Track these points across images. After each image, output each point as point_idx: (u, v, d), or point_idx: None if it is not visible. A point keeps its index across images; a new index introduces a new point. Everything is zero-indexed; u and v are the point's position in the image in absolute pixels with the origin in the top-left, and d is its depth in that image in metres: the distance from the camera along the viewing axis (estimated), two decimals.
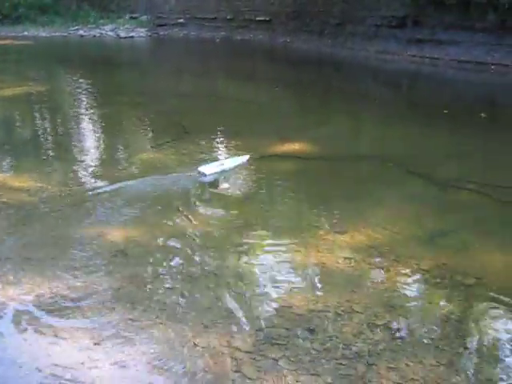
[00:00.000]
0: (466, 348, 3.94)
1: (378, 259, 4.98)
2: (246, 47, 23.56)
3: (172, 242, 5.32)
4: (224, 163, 7.41)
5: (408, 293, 4.56)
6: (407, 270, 4.81)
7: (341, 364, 3.77)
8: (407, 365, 3.74)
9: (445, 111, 11.07)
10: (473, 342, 4.02)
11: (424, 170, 7.22)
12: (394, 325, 4.15)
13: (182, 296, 4.50)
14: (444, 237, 5.42)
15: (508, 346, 3.96)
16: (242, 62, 19.27)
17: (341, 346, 3.92)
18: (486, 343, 4.02)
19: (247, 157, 7.65)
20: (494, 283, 4.61)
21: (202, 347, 3.90)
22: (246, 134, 9.11)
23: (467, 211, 6.04)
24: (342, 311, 4.28)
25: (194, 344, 3.93)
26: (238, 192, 6.89)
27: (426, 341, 3.98)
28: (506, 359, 3.84)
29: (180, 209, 6.04)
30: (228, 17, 26.44)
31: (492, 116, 11.12)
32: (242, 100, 12.43)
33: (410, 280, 4.72)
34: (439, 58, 17.75)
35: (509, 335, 4.05)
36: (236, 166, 7.41)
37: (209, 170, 7.12)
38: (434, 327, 4.14)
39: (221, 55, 22.24)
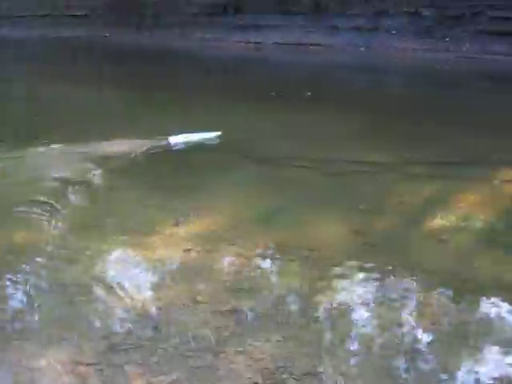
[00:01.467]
0: (308, 319, 4.07)
1: (217, 246, 4.99)
2: (62, 45, 22.48)
3: None
4: (191, 136, 7.88)
5: (248, 274, 4.62)
6: (246, 252, 4.87)
7: (189, 357, 3.70)
8: (254, 346, 3.78)
9: (272, 93, 11.44)
10: (314, 312, 4.17)
11: (258, 153, 7.40)
12: (239, 308, 4.17)
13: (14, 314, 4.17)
14: (278, 214, 5.60)
15: (346, 312, 4.16)
16: (58, 62, 18.35)
17: (187, 339, 3.86)
18: (325, 311, 4.18)
19: (218, 133, 7.85)
20: (327, 253, 4.83)
21: (39, 369, 3.64)
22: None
23: (298, 187, 6.29)
24: (186, 304, 4.22)
25: (29, 369, 3.64)
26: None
27: (270, 318, 4.05)
28: (346, 325, 4.03)
29: None
30: (41, 13, 24.98)
31: (316, 93, 11.70)
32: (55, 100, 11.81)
33: (249, 261, 4.78)
34: (262, 43, 18.33)
35: (345, 301, 4.25)
36: (204, 140, 7.80)
37: (174, 140, 7.75)
38: (277, 304, 4.23)
39: (34, 56, 20.97)
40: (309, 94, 11.28)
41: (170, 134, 8.07)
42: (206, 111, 10.50)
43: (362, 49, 17.82)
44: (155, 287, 4.53)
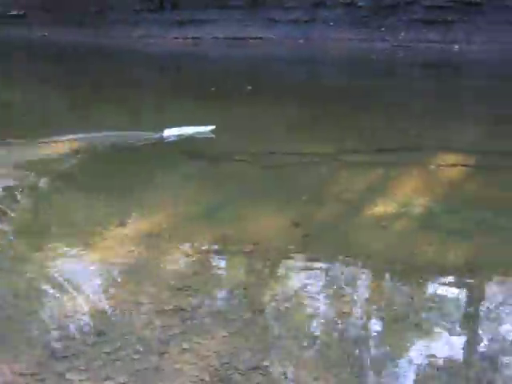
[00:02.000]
0: (253, 313, 4.07)
1: (160, 245, 4.94)
2: None
3: None
4: (185, 129, 7.90)
5: (191, 271, 4.57)
6: (189, 250, 4.83)
7: (134, 360, 3.64)
8: (200, 343, 3.75)
9: (212, 89, 11.39)
10: (259, 306, 4.16)
11: (199, 149, 7.36)
12: (183, 307, 4.13)
13: None
14: (220, 210, 5.58)
15: (291, 305, 4.17)
16: None
17: (131, 341, 3.80)
18: (270, 305, 4.18)
19: (212, 127, 7.80)
20: (269, 246, 4.84)
21: None
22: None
23: (239, 181, 6.29)
24: (130, 306, 4.15)
25: None
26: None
27: (215, 315, 4.03)
28: (291, 317, 4.04)
29: None
30: None
31: (256, 87, 11.71)
32: None
33: (193, 259, 4.74)
34: (201, 38, 18.23)
35: (289, 294, 4.27)
36: (197, 133, 7.81)
37: (168, 132, 7.78)
38: (221, 300, 4.22)
39: None
40: (249, 87, 11.28)
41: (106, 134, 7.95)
42: (145, 108, 10.38)
43: (301, 41, 17.93)
44: (98, 289, 4.43)
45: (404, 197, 5.69)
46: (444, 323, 3.95)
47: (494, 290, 4.40)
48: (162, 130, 7.82)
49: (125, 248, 4.94)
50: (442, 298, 4.29)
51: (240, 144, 7.50)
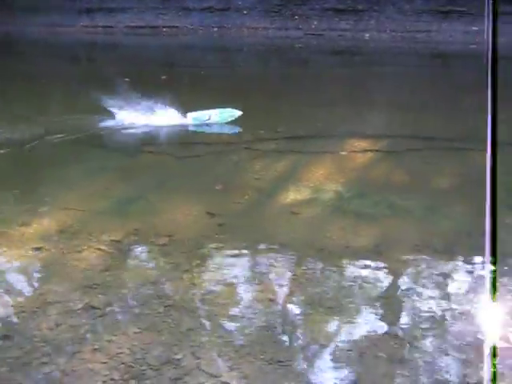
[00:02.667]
0: (166, 306, 4.01)
1: (70, 242, 4.77)
2: None
3: None
4: (211, 116, 7.66)
5: (102, 268, 4.45)
6: (101, 247, 4.70)
7: (42, 363, 3.51)
8: (111, 341, 3.66)
9: (126, 79, 11.10)
10: (171, 299, 4.11)
11: (111, 141, 7.17)
12: (94, 305, 4.02)
13: None
14: (132, 203, 5.46)
15: (205, 295, 4.14)
16: None
17: (40, 344, 3.66)
18: (183, 297, 4.14)
19: (239, 113, 7.50)
20: (184, 238, 4.79)
21: None
22: None
23: (153, 173, 6.18)
24: (38, 307, 4.00)
25: None
26: None
27: (126, 311, 3.95)
28: (205, 308, 4.01)
29: None
30: None
31: (172, 77, 11.54)
32: None
33: (104, 256, 4.62)
34: (113, 26, 17.73)
35: (204, 285, 4.24)
36: (223, 120, 7.56)
37: (192, 115, 7.57)
38: (133, 295, 4.13)
39: None
40: (163, 77, 11.10)
41: None
42: (54, 100, 10.01)
43: (215, 29, 17.83)
44: (3, 291, 4.24)
45: (315, 183, 5.78)
46: (358, 304, 4.06)
47: (403, 269, 4.55)
48: (185, 114, 7.66)
49: (29, 247, 4.74)
50: (355, 279, 4.39)
51: (153, 135, 7.38)
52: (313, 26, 17.50)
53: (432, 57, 15.09)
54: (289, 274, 4.46)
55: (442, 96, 9.59)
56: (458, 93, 9.68)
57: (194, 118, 7.66)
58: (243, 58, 15.01)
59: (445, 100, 9.29)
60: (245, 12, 18.44)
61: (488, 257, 1.99)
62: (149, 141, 7.18)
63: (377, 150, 6.77)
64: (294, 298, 4.18)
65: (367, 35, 16.72)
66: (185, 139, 7.15)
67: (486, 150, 1.89)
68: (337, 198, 5.57)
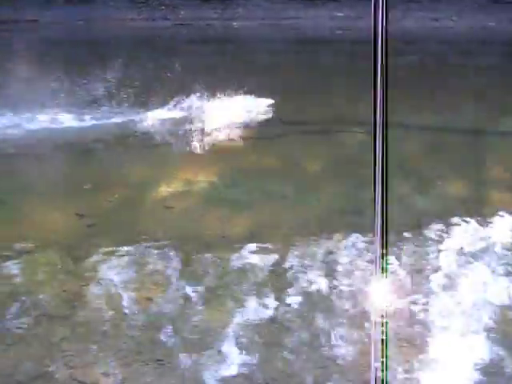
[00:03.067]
0: (35, 318, 3.80)
1: None
2: None
3: None
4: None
5: None
6: None
7: None
8: None
9: None
10: (41, 310, 3.89)
11: None
12: None
13: None
14: None
15: (79, 299, 3.98)
16: None
17: None
18: (55, 304, 3.95)
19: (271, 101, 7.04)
20: (53, 241, 4.58)
21: None
22: None
23: (15, 177, 5.82)
24: None
25: None
26: None
27: None
28: (79, 312, 3.86)
29: None
30: None
31: None
32: None
33: None
34: None
35: (75, 288, 4.07)
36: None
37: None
38: None
39: None
40: None
41: None
42: None
43: (81, 22, 17.11)
44: None
45: (188, 175, 5.71)
46: (240, 292, 4.08)
47: (281, 254, 4.62)
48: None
49: None
50: (234, 268, 4.41)
51: None
52: (180, 16, 17.31)
53: (300, 43, 15.46)
54: (166, 270, 4.38)
55: (312, 81, 9.82)
56: (327, 77, 9.95)
57: None
58: (109, 51, 14.53)
59: (314, 85, 9.52)
60: (111, 3, 17.89)
61: (379, 236, 2.05)
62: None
63: (250, 138, 6.79)
64: (171, 295, 4.11)
65: (236, 23, 16.81)
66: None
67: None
68: (210, 189, 5.55)
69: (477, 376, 3.38)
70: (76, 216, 4.99)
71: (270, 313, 3.90)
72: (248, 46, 14.92)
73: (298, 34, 16.15)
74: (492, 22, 11.80)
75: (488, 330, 3.73)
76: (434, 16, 12.85)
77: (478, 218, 5.02)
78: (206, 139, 6.48)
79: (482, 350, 3.59)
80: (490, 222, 4.98)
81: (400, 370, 3.38)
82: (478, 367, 3.43)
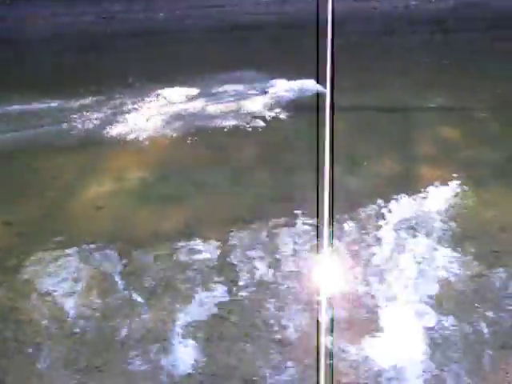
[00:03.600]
0: None
1: None
2: None
3: None
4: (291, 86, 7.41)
5: None
6: None
7: None
8: None
9: None
10: None
11: None
12: None
13: None
14: None
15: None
16: None
17: None
18: None
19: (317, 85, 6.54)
20: None
21: None
22: None
23: None
24: None
25: None
26: None
27: None
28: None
29: None
30: None
31: None
32: None
33: None
34: None
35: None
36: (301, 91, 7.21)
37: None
38: None
39: None
40: None
41: None
42: None
43: None
44: None
45: (117, 173, 5.60)
46: (182, 289, 4.08)
47: (217, 245, 4.62)
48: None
49: None
50: (173, 264, 4.39)
51: None
52: (104, 9, 16.92)
53: (228, 29, 15.37)
54: (100, 273, 4.32)
55: (241, 66, 9.76)
56: (256, 63, 9.90)
57: None
58: (31, 48, 14.07)
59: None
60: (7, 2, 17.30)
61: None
62: None
63: (174, 129, 6.67)
64: (109, 298, 4.06)
65: (161, 14, 16.55)
66: None
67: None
68: (141, 185, 5.47)
69: (424, 346, 3.50)
70: (4, 225, 4.83)
71: (215, 306, 3.91)
72: (174, 37, 14.74)
73: (226, 21, 16.08)
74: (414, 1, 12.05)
75: (431, 299, 3.87)
76: None
77: (411, 193, 5.14)
78: (135, 135, 6.34)
79: (427, 320, 3.71)
80: (425, 197, 5.10)
81: (349, 345, 3.47)
82: (424, 336, 3.55)
